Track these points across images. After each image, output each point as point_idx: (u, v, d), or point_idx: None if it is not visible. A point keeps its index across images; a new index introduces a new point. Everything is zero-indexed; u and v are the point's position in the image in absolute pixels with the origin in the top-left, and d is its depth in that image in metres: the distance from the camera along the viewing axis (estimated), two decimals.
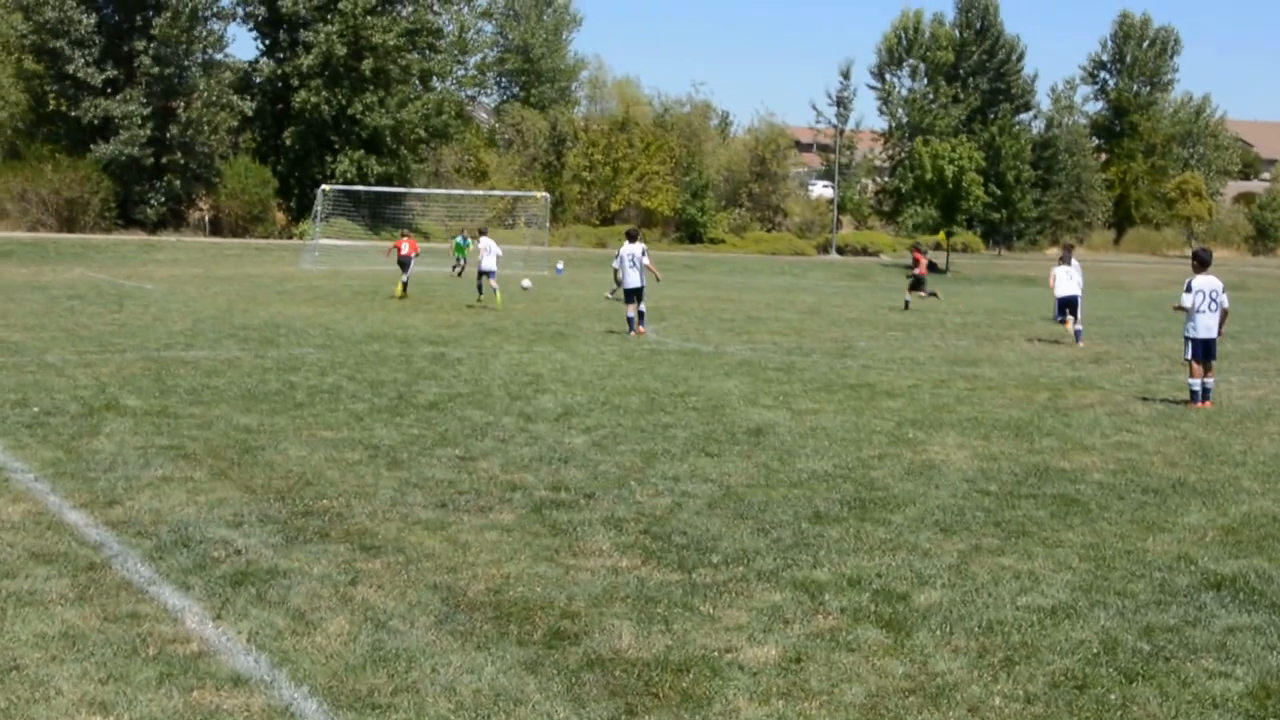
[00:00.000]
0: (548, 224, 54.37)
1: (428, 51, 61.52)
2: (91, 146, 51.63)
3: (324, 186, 48.76)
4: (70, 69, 50.71)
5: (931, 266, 60.60)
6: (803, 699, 5.38)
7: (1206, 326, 14.57)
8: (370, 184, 54.73)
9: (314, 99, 56.07)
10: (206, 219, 55.79)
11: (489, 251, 27.97)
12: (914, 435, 11.87)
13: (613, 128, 71.00)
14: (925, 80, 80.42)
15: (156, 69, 51.83)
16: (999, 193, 66.40)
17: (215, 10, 55.64)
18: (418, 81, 61.06)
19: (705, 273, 52.50)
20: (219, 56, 57.21)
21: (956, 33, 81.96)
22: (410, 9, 59.94)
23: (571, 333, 22.04)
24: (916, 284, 32.73)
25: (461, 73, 68.03)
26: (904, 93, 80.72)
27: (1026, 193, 70.88)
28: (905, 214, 66.80)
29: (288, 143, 57.85)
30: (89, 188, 51.35)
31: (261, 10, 58.01)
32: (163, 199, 53.50)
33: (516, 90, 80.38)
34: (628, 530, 8.02)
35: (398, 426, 11.50)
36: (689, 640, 6.03)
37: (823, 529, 8.17)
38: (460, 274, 38.57)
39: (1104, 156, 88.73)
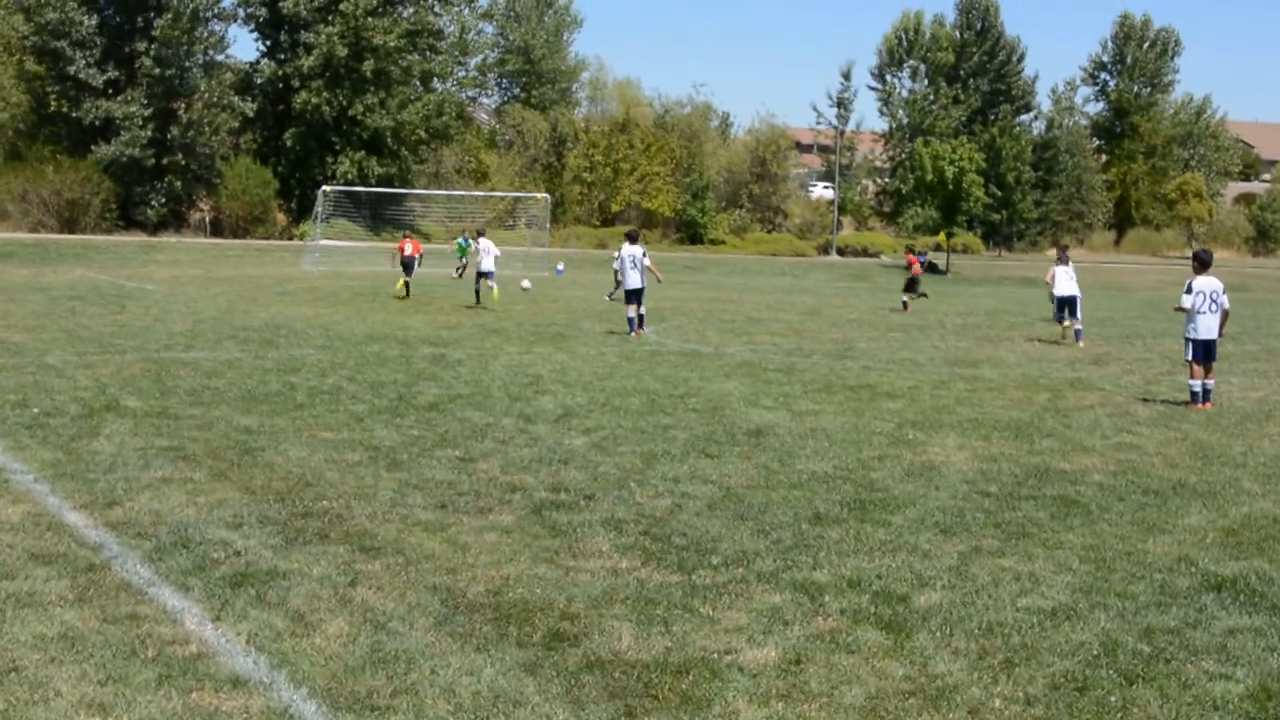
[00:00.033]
0: (548, 225, 54.38)
1: (428, 53, 61.56)
2: (92, 147, 51.67)
3: (324, 187, 48.78)
4: (71, 70, 50.75)
5: (932, 267, 60.97)
6: (802, 701, 5.37)
7: (1207, 328, 14.56)
8: (371, 185, 54.76)
9: (315, 100, 56.10)
10: (207, 220, 55.81)
11: (487, 253, 27.99)
12: (914, 436, 11.87)
13: (613, 129, 71.03)
14: (926, 81, 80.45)
15: (157, 70, 51.86)
16: (999, 194, 66.43)
17: (216, 11, 55.71)
18: (418, 83, 61.10)
19: (705, 274, 52.51)
20: (220, 58, 57.32)
21: (957, 34, 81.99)
22: (411, 10, 59.98)
23: (572, 334, 22.04)
24: (910, 285, 32.75)
25: (462, 74, 68.16)
26: (904, 94, 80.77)
27: (1027, 194, 70.92)
28: (906, 215, 66.84)
29: (288, 144, 57.89)
30: (90, 189, 51.39)
31: (262, 11, 58.05)
32: (163, 200, 53.53)
33: (517, 91, 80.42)
34: (627, 532, 8.01)
35: (398, 428, 11.50)
36: (689, 642, 6.03)
37: (823, 530, 8.16)
38: (461, 275, 38.61)
39: (1104, 158, 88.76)
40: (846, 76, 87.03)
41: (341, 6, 55.96)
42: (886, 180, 79.07)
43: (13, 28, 52.25)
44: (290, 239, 54.73)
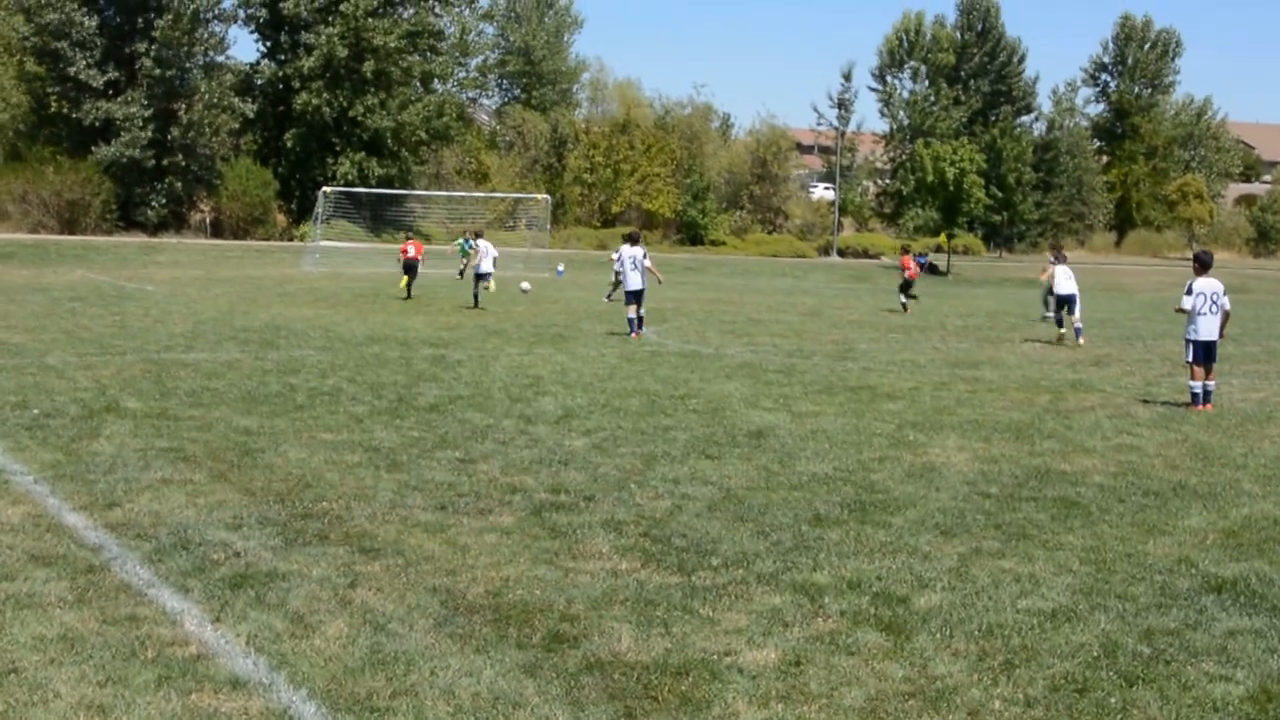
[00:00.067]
0: (549, 226, 54.40)
1: (429, 53, 61.59)
2: (93, 148, 51.70)
3: (325, 188, 48.79)
4: (72, 71, 50.78)
5: (933, 269, 61.02)
6: (802, 702, 5.37)
7: (1207, 329, 14.55)
8: (371, 186, 54.79)
9: (315, 101, 56.13)
10: (207, 221, 55.84)
11: (486, 254, 28.05)
12: (914, 438, 11.86)
13: (614, 130, 71.07)
14: (926, 82, 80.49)
15: (158, 71, 51.89)
16: (1000, 195, 66.45)
17: (217, 12, 55.76)
18: (419, 83, 61.13)
19: (706, 275, 52.51)
20: (220, 59, 57.37)
21: (958, 35, 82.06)
22: (411, 11, 60.01)
23: (572, 335, 22.04)
24: (905, 287, 32.71)
25: (463, 75, 68.20)
26: (905, 95, 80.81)
27: (1028, 195, 70.94)
28: (906, 216, 66.85)
29: (289, 145, 57.91)
30: (90, 189, 51.41)
31: (263, 12, 58.08)
32: (164, 201, 53.56)
33: (517, 92, 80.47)
34: (627, 533, 8.00)
35: (398, 429, 11.49)
36: (688, 643, 6.02)
37: (823, 532, 8.16)
38: (463, 276, 38.62)
39: (1105, 159, 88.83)
40: (847, 77, 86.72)
41: (342, 7, 55.99)
42: (887, 181, 79.11)
43: (13, 28, 52.30)
44: (290, 240, 54.76)
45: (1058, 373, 18.09)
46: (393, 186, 56.02)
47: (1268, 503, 9.46)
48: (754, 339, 22.43)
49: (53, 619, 6.07)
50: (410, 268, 30.10)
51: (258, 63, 59.65)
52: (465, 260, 39.10)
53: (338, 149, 57.59)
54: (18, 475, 9.08)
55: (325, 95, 56.25)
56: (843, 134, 75.08)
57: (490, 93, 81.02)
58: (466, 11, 65.01)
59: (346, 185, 53.23)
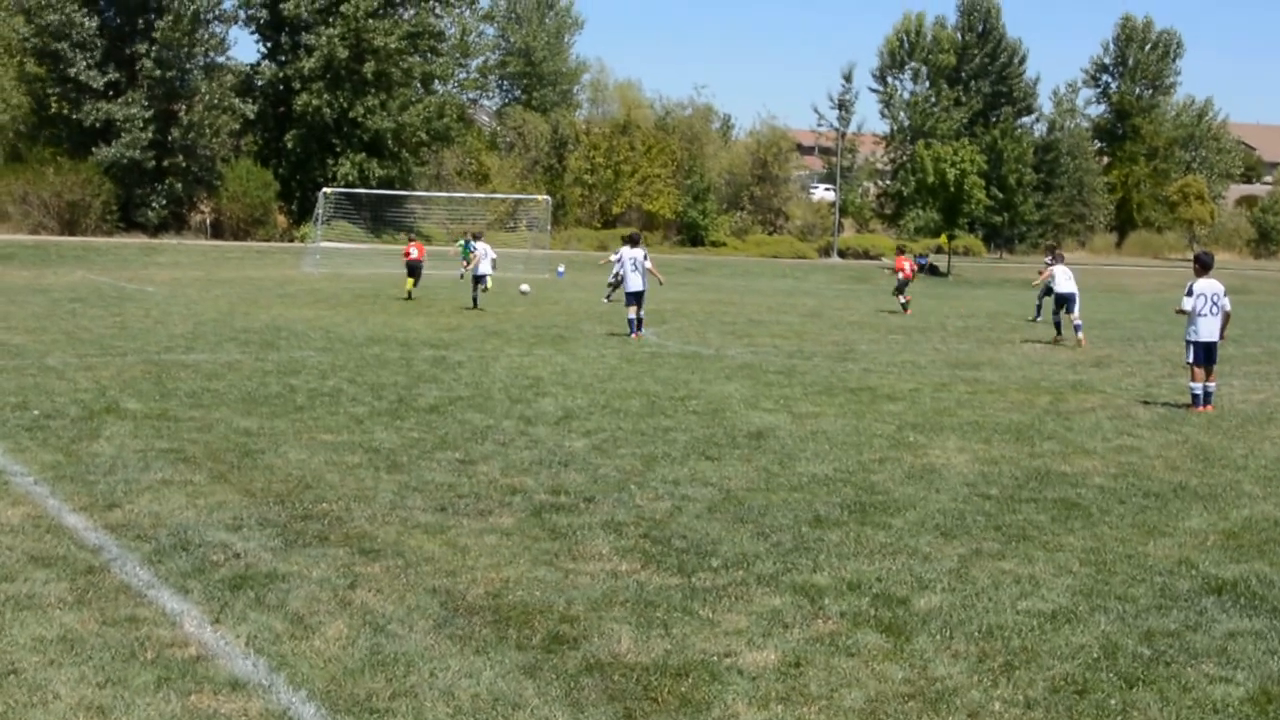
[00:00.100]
0: (549, 227, 54.40)
1: (429, 54, 61.60)
2: (93, 149, 51.70)
3: (325, 189, 48.78)
4: (72, 72, 50.79)
5: (933, 270, 60.97)
6: (802, 704, 5.37)
7: (1208, 330, 14.55)
8: (371, 187, 54.78)
9: (315, 102, 56.14)
10: (208, 222, 55.85)
11: (484, 256, 28.14)
12: (915, 439, 11.86)
13: (614, 131, 71.09)
14: (927, 83, 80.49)
15: (158, 72, 51.90)
16: (1001, 196, 66.42)
17: (217, 13, 55.77)
18: (419, 84, 61.14)
19: (706, 276, 52.50)
20: (221, 59, 57.37)
21: (958, 36, 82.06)
22: (412, 12, 60.02)
23: (572, 336, 22.04)
24: (900, 288, 32.54)
25: (463, 76, 68.13)
26: (906, 96, 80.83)
27: (1028, 196, 70.90)
28: (907, 217, 66.83)
29: (289, 145, 57.91)
30: (90, 190, 51.41)
31: (263, 13, 58.09)
32: (164, 202, 53.56)
33: (518, 93, 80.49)
34: (627, 534, 8.00)
35: (398, 430, 11.49)
36: (688, 645, 6.02)
37: (823, 533, 8.16)
38: (464, 277, 38.62)
39: (1106, 160, 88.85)
40: (848, 78, 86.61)
41: (342, 8, 56.01)
42: (888, 182, 79.12)
43: (13, 29, 52.30)
44: (291, 241, 54.75)
45: (1058, 374, 18.09)
46: (393, 187, 56.02)
47: (1268, 504, 9.46)
48: (754, 340, 22.43)
49: (52, 620, 6.07)
50: (413, 269, 30.12)
51: (258, 64, 59.67)
52: (467, 262, 39.15)
53: (338, 150, 57.59)
54: (18, 476, 9.08)
55: (326, 96, 56.27)
56: (843, 135, 75.09)
57: (491, 94, 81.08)
58: (467, 12, 65.05)
59: (347, 186, 53.23)
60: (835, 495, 9.29)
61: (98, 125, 51.45)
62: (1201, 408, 14.35)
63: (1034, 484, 9.91)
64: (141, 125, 51.54)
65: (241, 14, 58.23)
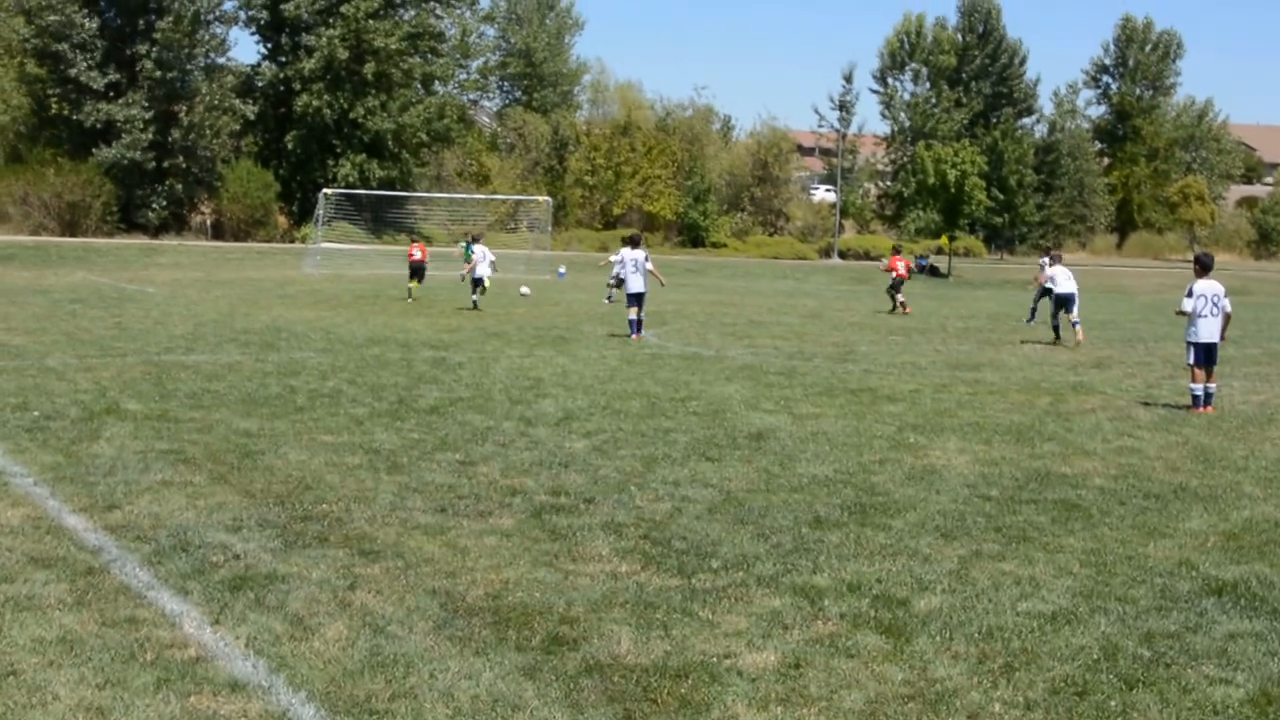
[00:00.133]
0: (550, 228, 54.41)
1: (430, 55, 61.65)
2: (93, 150, 51.74)
3: (325, 190, 48.79)
4: (72, 73, 50.84)
5: (933, 270, 60.96)
6: (801, 705, 5.36)
7: (1208, 331, 14.54)
8: (372, 188, 54.81)
9: (316, 103, 56.16)
10: (208, 223, 55.88)
11: (483, 259, 28.23)
12: (915, 440, 11.86)
13: (615, 132, 71.12)
14: (928, 84, 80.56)
15: (159, 73, 51.94)
16: (1001, 197, 66.46)
17: (218, 14, 55.82)
18: (420, 85, 61.18)
19: (707, 277, 52.50)
20: (221, 60, 57.46)
21: (959, 37, 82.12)
22: (412, 13, 60.06)
23: (573, 337, 22.03)
24: (895, 287, 32.45)
25: (463, 76, 68.21)
26: (906, 97, 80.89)
27: (1029, 197, 70.95)
28: (907, 218, 66.90)
29: (289, 146, 57.95)
30: (91, 191, 51.45)
31: (264, 14, 58.13)
32: (164, 203, 53.60)
33: (518, 94, 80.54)
34: (627, 535, 8.00)
35: (398, 431, 11.49)
36: (688, 646, 6.02)
37: (823, 534, 8.15)
38: (465, 279, 38.64)
39: (1106, 160, 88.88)
40: (848, 79, 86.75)
41: (343, 9, 56.05)
42: (888, 183, 79.18)
43: (14, 30, 52.34)
44: (291, 242, 54.77)
45: (1058, 375, 18.09)
46: (394, 188, 56.05)
47: (1268, 505, 9.45)
48: (755, 341, 22.43)
49: (52, 621, 6.07)
50: (416, 270, 30.16)
51: (259, 64, 59.71)
52: (468, 264, 39.15)
53: (338, 151, 57.62)
54: (18, 477, 9.08)
55: (326, 97, 56.30)
56: (844, 136, 75.12)
57: (491, 95, 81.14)
58: (467, 13, 65.12)
59: (347, 187, 53.25)
60: (835, 496, 9.28)
61: (98, 126, 51.50)
62: (1202, 409, 14.35)
63: (1034, 485, 9.90)
64: (142, 126, 51.57)
65: (242, 15, 58.38)
